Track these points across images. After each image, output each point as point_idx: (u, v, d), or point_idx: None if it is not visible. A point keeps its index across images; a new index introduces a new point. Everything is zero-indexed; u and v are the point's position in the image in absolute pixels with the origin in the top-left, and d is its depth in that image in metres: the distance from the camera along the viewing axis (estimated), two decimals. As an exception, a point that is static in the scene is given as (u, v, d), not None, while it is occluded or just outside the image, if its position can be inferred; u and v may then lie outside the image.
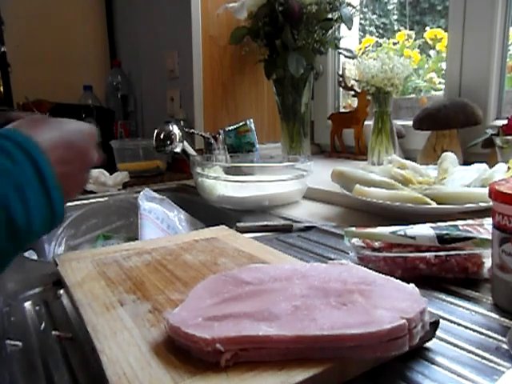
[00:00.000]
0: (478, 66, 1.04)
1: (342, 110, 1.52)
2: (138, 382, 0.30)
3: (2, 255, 0.34)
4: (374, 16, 1.90)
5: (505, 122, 0.90)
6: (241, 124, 1.17)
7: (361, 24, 1.63)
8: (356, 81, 1.27)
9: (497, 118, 1.05)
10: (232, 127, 1.17)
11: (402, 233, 0.51)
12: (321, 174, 0.99)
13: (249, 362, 0.32)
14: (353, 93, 1.34)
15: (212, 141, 1.11)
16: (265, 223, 0.76)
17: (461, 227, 0.51)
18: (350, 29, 1.22)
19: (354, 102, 1.42)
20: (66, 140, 0.42)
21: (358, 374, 0.34)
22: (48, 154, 0.38)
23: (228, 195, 0.92)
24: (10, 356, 0.40)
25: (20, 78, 1.67)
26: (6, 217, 0.33)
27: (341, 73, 1.35)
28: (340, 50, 1.29)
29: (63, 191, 0.39)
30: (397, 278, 0.41)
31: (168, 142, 1.02)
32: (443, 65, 1.32)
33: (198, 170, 0.97)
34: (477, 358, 0.36)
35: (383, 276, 0.41)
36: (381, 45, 1.51)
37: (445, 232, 0.50)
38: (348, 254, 0.58)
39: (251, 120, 1.19)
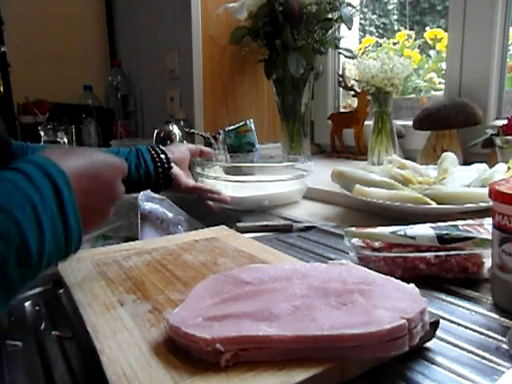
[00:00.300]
0: (477, 66, 1.04)
1: (342, 109, 1.52)
2: (138, 382, 0.30)
3: (10, 283, 0.32)
4: (374, 16, 1.90)
5: (505, 121, 0.90)
6: (241, 124, 1.17)
7: (361, 24, 1.63)
8: (356, 81, 1.27)
9: (497, 118, 1.05)
10: (232, 127, 1.17)
11: (402, 233, 0.51)
12: (321, 174, 0.99)
13: (249, 362, 0.32)
14: (353, 93, 1.34)
15: (212, 141, 1.11)
16: (265, 223, 0.76)
17: (461, 227, 0.51)
18: (350, 29, 1.22)
19: (354, 102, 1.42)
20: (92, 171, 0.42)
21: (357, 374, 0.34)
22: (72, 182, 0.37)
23: (228, 195, 0.92)
24: (10, 356, 0.40)
25: (20, 77, 1.67)
26: (20, 239, 0.32)
27: (341, 73, 1.35)
28: (340, 50, 1.29)
29: (83, 221, 0.38)
30: (397, 278, 0.41)
31: (168, 142, 1.02)
32: (443, 65, 1.32)
33: (198, 169, 0.97)
34: (477, 357, 0.36)
35: (383, 276, 0.41)
36: (381, 45, 1.51)
37: (445, 232, 0.50)
38: (348, 253, 0.58)
39: (251, 120, 1.19)
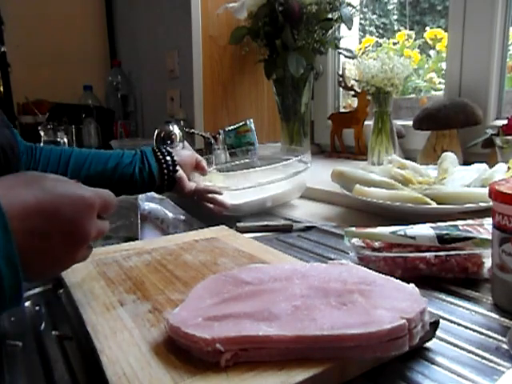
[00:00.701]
0: (477, 66, 1.04)
1: (342, 109, 1.52)
2: (138, 382, 0.30)
3: None
4: (374, 16, 1.90)
5: (505, 121, 0.90)
6: (241, 124, 1.17)
7: (361, 24, 1.63)
8: (356, 81, 1.27)
9: (497, 118, 1.05)
10: (232, 127, 1.17)
11: (402, 233, 0.51)
12: (321, 174, 0.99)
13: (249, 362, 0.32)
14: (353, 93, 1.34)
15: (212, 141, 1.11)
16: (265, 223, 0.76)
17: (461, 227, 0.51)
18: (350, 29, 1.22)
19: (354, 102, 1.42)
20: (47, 208, 0.34)
21: (357, 374, 0.34)
22: (12, 220, 0.31)
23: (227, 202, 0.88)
24: (10, 356, 0.40)
25: (20, 77, 1.67)
26: None
27: (341, 73, 1.35)
28: (340, 50, 1.29)
29: (33, 267, 0.33)
30: (397, 278, 0.41)
31: (168, 142, 1.02)
32: (443, 65, 1.32)
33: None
34: (477, 357, 0.36)
35: (383, 276, 0.41)
36: (381, 45, 1.51)
37: (445, 232, 0.50)
38: (348, 253, 0.58)
39: (251, 120, 1.19)
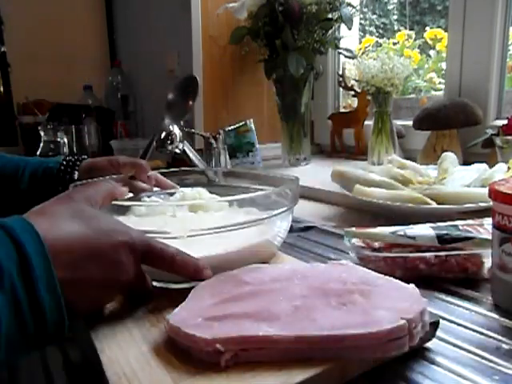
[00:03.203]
0: (477, 66, 1.04)
1: (342, 110, 1.52)
2: (138, 382, 0.30)
3: None
4: (374, 16, 1.90)
5: (505, 121, 0.90)
6: (241, 124, 1.18)
7: (361, 24, 1.63)
8: (356, 81, 1.27)
9: (497, 118, 1.05)
10: (232, 127, 1.17)
11: (402, 233, 0.51)
12: (321, 174, 0.99)
13: (249, 362, 0.32)
14: (353, 93, 1.34)
15: (212, 141, 1.11)
16: (265, 223, 0.76)
17: (461, 227, 0.51)
18: (350, 29, 1.22)
19: (354, 102, 1.42)
20: (90, 244, 0.34)
21: (358, 374, 0.34)
22: (55, 256, 0.30)
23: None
24: (10, 356, 0.40)
25: (20, 77, 1.67)
26: None
27: (341, 73, 1.35)
28: (340, 50, 1.29)
29: (73, 301, 0.32)
30: (397, 278, 0.41)
31: (168, 142, 1.02)
32: (443, 65, 1.32)
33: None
34: (477, 357, 0.36)
35: (383, 276, 0.41)
36: (381, 45, 1.51)
37: (445, 232, 0.50)
38: (348, 253, 0.58)
39: (251, 120, 1.19)
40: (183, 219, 0.52)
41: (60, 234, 0.33)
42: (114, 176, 0.64)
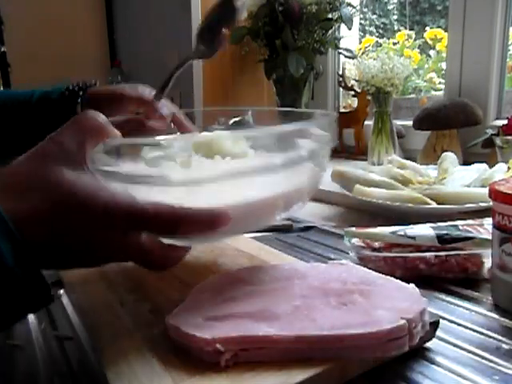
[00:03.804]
0: (477, 66, 1.04)
1: (342, 109, 1.52)
2: (138, 382, 0.30)
3: None
4: (374, 16, 1.90)
5: (505, 121, 0.90)
6: (239, 119, 1.17)
7: (361, 24, 1.63)
8: (356, 81, 1.27)
9: (497, 118, 1.05)
10: (231, 121, 1.17)
11: (402, 233, 0.51)
12: (321, 173, 0.99)
13: (249, 362, 0.32)
14: (353, 93, 1.34)
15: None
16: (265, 223, 0.76)
17: (461, 227, 0.51)
18: (350, 29, 1.22)
19: (354, 102, 1.42)
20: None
21: (357, 374, 0.34)
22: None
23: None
24: (10, 356, 0.40)
25: (20, 77, 1.67)
26: None
27: (341, 73, 1.35)
28: (340, 50, 1.29)
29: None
30: (397, 278, 0.41)
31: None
32: (443, 65, 1.32)
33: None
34: (477, 357, 0.36)
35: (383, 276, 0.41)
36: (381, 45, 1.51)
37: (445, 232, 0.50)
38: (348, 253, 0.58)
39: (249, 113, 1.19)
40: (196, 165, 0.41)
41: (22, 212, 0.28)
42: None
